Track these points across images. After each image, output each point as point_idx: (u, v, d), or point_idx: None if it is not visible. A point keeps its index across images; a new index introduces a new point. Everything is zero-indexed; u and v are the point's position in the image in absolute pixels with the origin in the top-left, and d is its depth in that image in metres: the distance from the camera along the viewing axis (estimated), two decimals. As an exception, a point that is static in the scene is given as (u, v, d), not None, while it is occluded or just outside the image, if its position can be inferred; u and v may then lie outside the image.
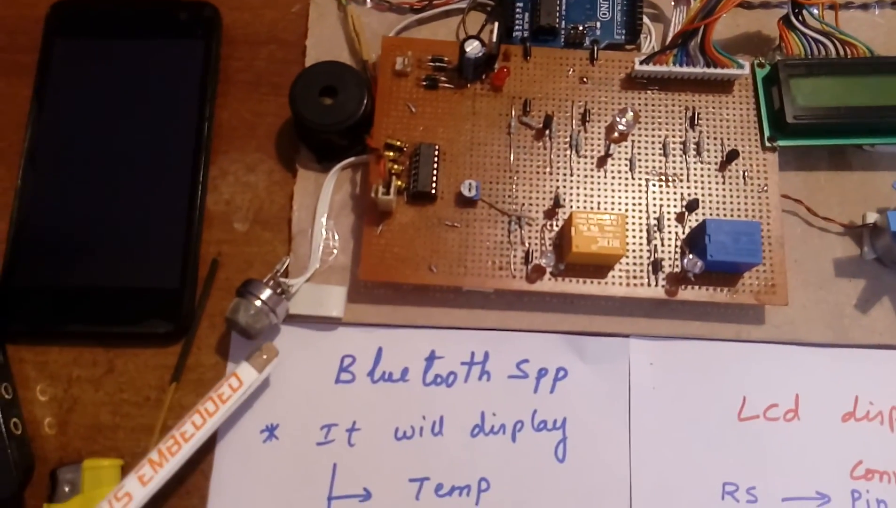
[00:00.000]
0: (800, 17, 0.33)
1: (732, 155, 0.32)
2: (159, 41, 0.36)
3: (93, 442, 0.31)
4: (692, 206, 0.31)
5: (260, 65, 0.36)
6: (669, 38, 0.33)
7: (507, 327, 0.32)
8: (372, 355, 0.32)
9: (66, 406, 0.31)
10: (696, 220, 0.31)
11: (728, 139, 0.33)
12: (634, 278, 0.31)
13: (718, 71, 0.32)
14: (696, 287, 0.31)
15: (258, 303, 0.30)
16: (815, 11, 0.33)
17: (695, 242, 0.31)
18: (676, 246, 0.31)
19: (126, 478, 0.27)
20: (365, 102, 0.32)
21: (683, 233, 0.31)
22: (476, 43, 0.32)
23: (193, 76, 0.35)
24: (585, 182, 0.32)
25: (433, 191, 0.31)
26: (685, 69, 0.32)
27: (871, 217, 0.33)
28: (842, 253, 0.33)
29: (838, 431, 0.31)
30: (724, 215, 0.32)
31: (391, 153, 0.32)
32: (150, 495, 0.27)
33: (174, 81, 0.35)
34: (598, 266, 0.31)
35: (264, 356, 0.30)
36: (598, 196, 0.32)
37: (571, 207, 0.32)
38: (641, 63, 0.33)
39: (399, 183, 0.32)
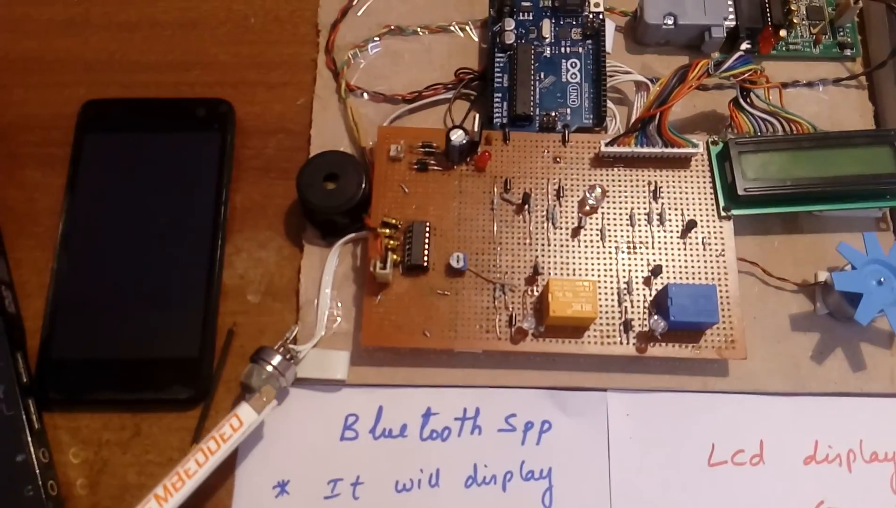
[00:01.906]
0: (747, 100, 0.37)
1: (691, 224, 0.36)
2: (180, 134, 0.40)
3: (121, 501, 0.34)
4: (657, 271, 0.35)
5: (269, 152, 0.41)
6: (631, 123, 0.37)
7: (496, 384, 0.35)
8: (373, 413, 0.35)
9: (97, 468, 0.34)
10: (661, 283, 0.35)
11: (688, 210, 0.37)
12: (608, 337, 0.34)
13: (675, 150, 0.36)
14: (664, 344, 0.34)
15: (269, 368, 0.33)
16: (762, 93, 0.37)
17: (660, 304, 0.34)
18: (645, 307, 0.35)
19: None
20: (363, 185, 0.36)
21: (650, 295, 0.35)
22: (460, 132, 0.36)
23: (210, 164, 0.39)
24: (561, 251, 0.36)
25: (425, 263, 0.35)
26: (645, 149, 0.36)
27: (822, 276, 0.36)
28: (797, 309, 0.37)
29: (801, 473, 0.34)
30: (686, 279, 0.35)
31: (387, 230, 0.36)
32: None
33: (193, 169, 0.39)
34: (575, 327, 0.34)
35: (263, 399, 0.33)
36: (573, 264, 0.36)
37: (550, 274, 0.36)
38: (607, 145, 0.37)
39: (395, 257, 0.35)
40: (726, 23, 0.40)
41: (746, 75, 0.36)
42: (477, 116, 0.37)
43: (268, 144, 0.41)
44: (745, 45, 0.40)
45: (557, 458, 0.34)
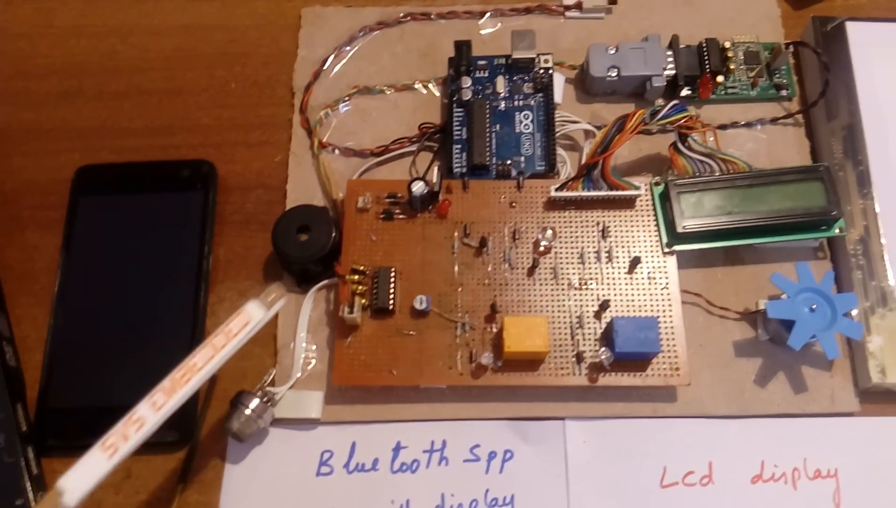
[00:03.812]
0: (685, 144, 0.40)
1: (636, 261, 0.38)
2: (166, 194, 0.43)
3: (114, 539, 0.36)
4: (605, 306, 0.38)
5: (249, 207, 0.44)
6: (577, 169, 0.40)
7: (461, 417, 0.38)
8: (347, 449, 0.37)
9: (92, 509, 0.37)
10: (611, 317, 0.38)
11: (634, 247, 0.39)
12: (562, 369, 0.37)
13: (619, 193, 0.39)
14: (614, 374, 0.37)
15: (248, 412, 0.36)
16: (699, 137, 0.40)
17: (608, 336, 0.37)
18: (595, 340, 0.37)
19: (140, 404, 0.30)
20: (333, 235, 0.39)
21: (601, 328, 0.38)
22: (420, 183, 0.39)
23: (194, 221, 0.42)
24: (518, 290, 0.39)
25: (391, 306, 0.38)
26: (592, 193, 0.39)
27: (762, 304, 0.38)
28: (740, 336, 0.39)
29: (749, 492, 0.36)
30: (634, 312, 0.38)
31: (356, 276, 0.39)
32: (160, 421, 0.30)
33: (179, 226, 0.42)
34: (531, 361, 0.37)
35: (271, 296, 0.33)
36: (529, 301, 0.38)
37: (508, 311, 0.38)
38: (556, 190, 0.40)
39: (363, 301, 0.38)
40: (666, 72, 0.43)
41: (682, 121, 0.39)
42: (436, 167, 0.40)
43: (248, 199, 0.44)
44: (685, 92, 0.44)
45: (520, 485, 0.37)
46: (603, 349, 0.36)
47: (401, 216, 0.41)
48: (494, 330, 0.38)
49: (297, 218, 0.40)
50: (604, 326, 0.38)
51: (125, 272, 0.41)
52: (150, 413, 0.30)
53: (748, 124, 0.44)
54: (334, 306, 0.40)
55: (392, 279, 0.38)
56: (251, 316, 0.32)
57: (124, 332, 0.40)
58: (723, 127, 0.43)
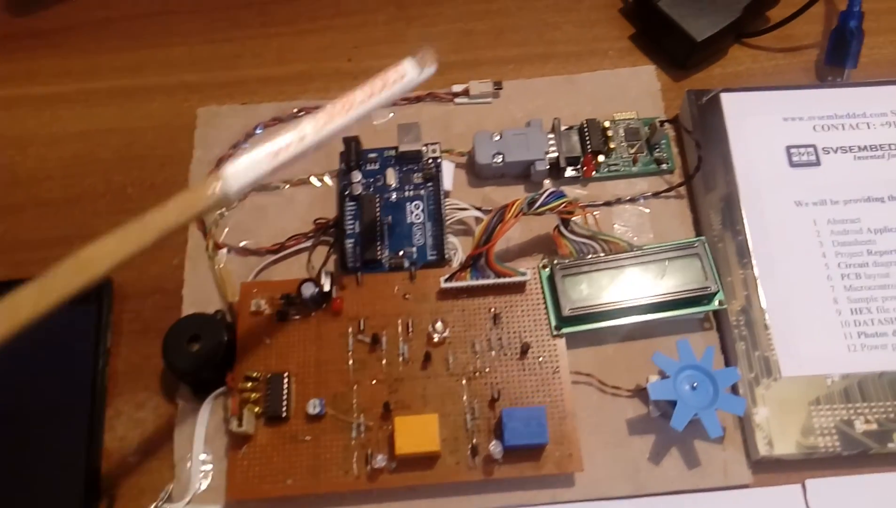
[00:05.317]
0: (568, 227, 0.41)
1: (525, 347, 0.39)
2: (57, 311, 0.43)
3: None
4: (496, 396, 0.38)
5: (147, 314, 0.44)
6: (461, 261, 0.41)
7: (362, 519, 0.38)
8: (246, 562, 0.37)
9: None
10: (503, 406, 0.38)
11: (525, 332, 0.40)
12: (458, 464, 0.37)
13: (505, 280, 0.40)
14: (508, 465, 0.37)
15: (139, 535, 0.35)
16: (580, 220, 0.41)
17: (499, 428, 0.37)
18: (489, 432, 0.38)
19: (304, 121, 0.32)
20: (224, 342, 0.39)
21: (495, 419, 0.38)
22: (310, 285, 0.40)
23: (88, 336, 0.42)
24: (412, 384, 0.39)
25: (284, 414, 0.38)
26: (479, 282, 0.40)
27: (653, 380, 0.39)
28: (632, 413, 0.40)
29: (649, 573, 0.36)
30: (527, 397, 0.38)
31: (249, 384, 0.39)
32: (319, 141, 0.32)
33: (72, 342, 0.42)
34: (426, 458, 0.37)
35: (427, 59, 0.34)
36: (424, 395, 0.39)
37: (404, 408, 0.38)
38: (446, 281, 0.40)
39: (257, 409, 0.38)
40: (548, 155, 0.44)
41: (561, 207, 0.40)
42: (323, 272, 0.40)
43: (145, 306, 0.44)
44: (570, 172, 0.45)
45: (423, 586, 0.36)
46: (494, 442, 0.36)
47: (296, 317, 0.41)
48: (390, 429, 0.38)
49: (188, 328, 0.40)
50: (498, 415, 0.38)
51: (16, 397, 0.41)
52: (311, 132, 0.32)
53: (632, 200, 0.45)
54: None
55: (285, 384, 0.38)
56: (406, 71, 0.33)
57: (12, 452, 0.39)
58: (608, 204, 0.45)
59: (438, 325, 0.40)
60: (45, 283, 0.31)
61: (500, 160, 0.44)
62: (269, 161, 0.31)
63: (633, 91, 0.49)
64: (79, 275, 0.31)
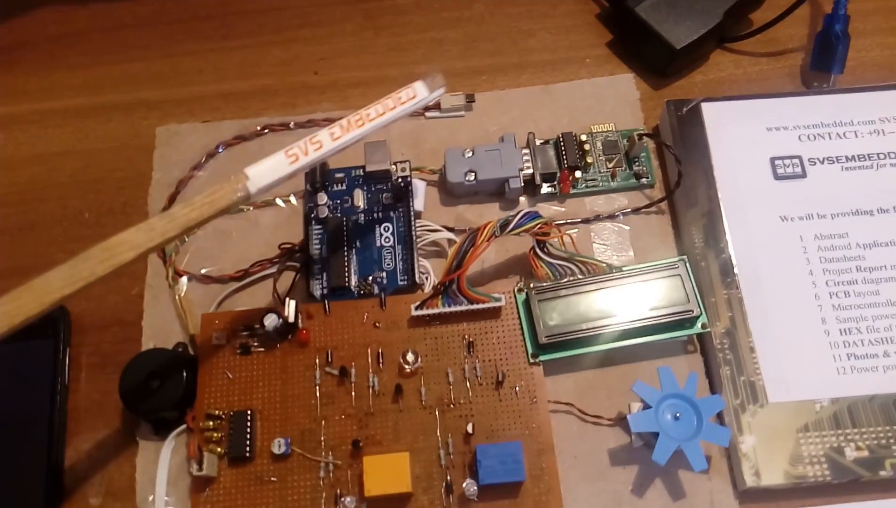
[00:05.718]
0: (544, 249, 0.39)
1: (502, 377, 0.37)
2: (11, 346, 0.40)
3: None
4: (473, 428, 0.36)
5: (106, 347, 0.42)
6: (433, 287, 0.39)
7: (332, 562, 0.36)
8: None
9: None
10: (477, 442, 0.36)
11: (500, 360, 0.38)
12: (431, 503, 0.35)
13: (479, 306, 0.38)
14: (484, 504, 0.35)
15: (94, 590, 0.33)
16: (556, 241, 0.40)
17: (474, 465, 0.35)
18: (465, 468, 0.36)
19: (321, 131, 0.34)
20: (185, 379, 0.37)
21: (470, 453, 0.36)
22: (273, 316, 0.38)
23: (44, 372, 0.40)
24: (385, 418, 0.37)
25: (248, 454, 0.36)
26: (451, 309, 0.38)
27: (635, 407, 0.38)
28: (614, 443, 0.38)
29: None
30: (503, 431, 0.36)
31: (211, 423, 0.37)
32: (334, 149, 0.34)
33: (27, 379, 0.40)
34: (398, 498, 0.35)
35: (436, 80, 0.36)
36: (396, 430, 0.37)
37: (374, 443, 0.36)
38: (417, 308, 0.38)
39: (220, 449, 0.36)
40: (523, 173, 0.42)
41: (536, 228, 0.38)
42: (288, 302, 0.38)
43: (104, 338, 0.42)
44: (546, 189, 0.43)
45: None
46: (469, 480, 0.35)
47: (259, 349, 0.39)
48: (360, 468, 0.36)
49: (146, 364, 0.38)
50: (473, 449, 0.36)
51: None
52: (328, 140, 0.34)
53: (611, 216, 0.43)
54: (195, 453, 0.38)
55: (248, 423, 0.37)
56: (417, 92, 0.36)
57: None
58: (586, 221, 0.43)
59: (409, 356, 0.38)
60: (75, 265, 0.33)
61: (472, 179, 0.42)
62: (287, 166, 0.34)
63: (611, 101, 0.47)
64: (104, 263, 0.33)
